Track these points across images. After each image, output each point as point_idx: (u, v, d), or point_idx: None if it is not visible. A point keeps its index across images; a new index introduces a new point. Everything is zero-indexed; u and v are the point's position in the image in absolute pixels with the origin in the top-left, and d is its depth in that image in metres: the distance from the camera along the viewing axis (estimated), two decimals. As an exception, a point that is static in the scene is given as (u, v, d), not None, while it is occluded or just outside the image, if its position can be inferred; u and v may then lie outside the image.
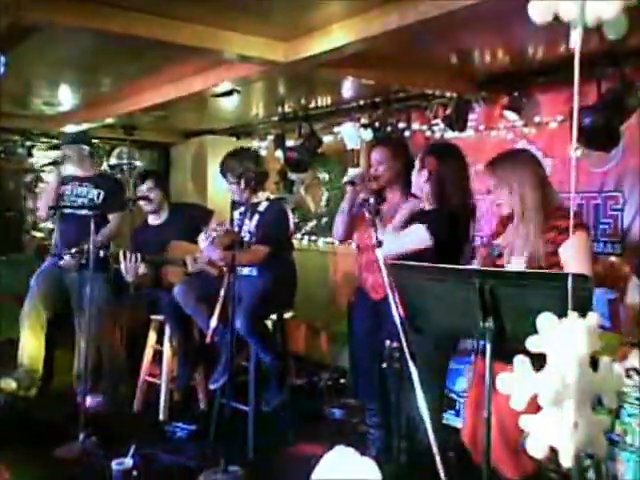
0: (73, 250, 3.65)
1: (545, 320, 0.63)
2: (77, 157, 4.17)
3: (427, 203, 2.75)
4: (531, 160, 2.42)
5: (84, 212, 3.84)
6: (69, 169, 4.24)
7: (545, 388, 0.61)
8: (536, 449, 0.63)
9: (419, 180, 2.73)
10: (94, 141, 4.72)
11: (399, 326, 1.94)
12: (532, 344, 0.63)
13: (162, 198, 4.08)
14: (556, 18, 0.63)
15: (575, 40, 0.62)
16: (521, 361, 0.63)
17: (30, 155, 5.81)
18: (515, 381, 0.63)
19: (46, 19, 2.75)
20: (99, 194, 4.15)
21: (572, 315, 0.62)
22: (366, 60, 3.39)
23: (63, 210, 4.05)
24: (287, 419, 3.60)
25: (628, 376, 2.39)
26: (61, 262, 3.96)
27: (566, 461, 0.61)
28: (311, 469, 1.84)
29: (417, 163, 2.76)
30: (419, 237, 2.61)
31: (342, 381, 4.52)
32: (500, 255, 2.39)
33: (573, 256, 2.20)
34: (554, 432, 0.62)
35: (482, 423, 1.65)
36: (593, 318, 0.62)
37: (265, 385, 3.50)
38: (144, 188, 4.00)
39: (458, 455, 2.79)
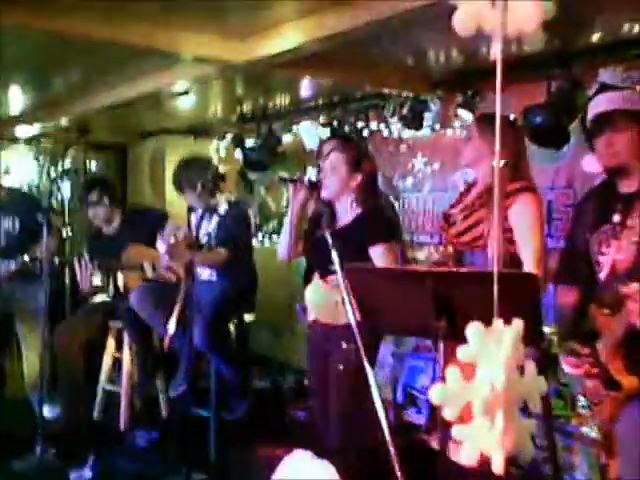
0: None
1: (473, 331, 0.63)
2: None
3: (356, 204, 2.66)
4: (513, 127, 2.50)
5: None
6: None
7: (476, 397, 0.62)
8: (469, 457, 0.64)
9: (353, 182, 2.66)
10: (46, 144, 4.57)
11: (354, 327, 1.95)
12: (463, 354, 0.64)
13: (110, 207, 3.97)
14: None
15: (496, 52, 0.63)
16: (451, 372, 0.64)
17: (-20, 158, 5.64)
18: (448, 391, 0.63)
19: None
20: (14, 223, 3.86)
21: (497, 323, 0.63)
22: (323, 60, 3.39)
23: None
24: (250, 424, 3.58)
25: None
26: None
27: (497, 468, 0.62)
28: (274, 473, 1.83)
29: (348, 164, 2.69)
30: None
31: (305, 383, 4.52)
32: (455, 222, 2.43)
33: (522, 226, 2.25)
34: (485, 439, 0.63)
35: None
36: (518, 325, 0.63)
37: (227, 394, 3.48)
38: (92, 199, 3.89)
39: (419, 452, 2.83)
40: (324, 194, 2.58)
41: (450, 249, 2.52)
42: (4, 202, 3.85)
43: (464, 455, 0.62)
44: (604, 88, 2.58)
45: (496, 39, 0.62)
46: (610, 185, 2.17)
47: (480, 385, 0.59)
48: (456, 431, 0.63)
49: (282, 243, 2.76)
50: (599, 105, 2.17)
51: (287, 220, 2.69)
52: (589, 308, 2.09)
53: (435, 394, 0.61)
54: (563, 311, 2.26)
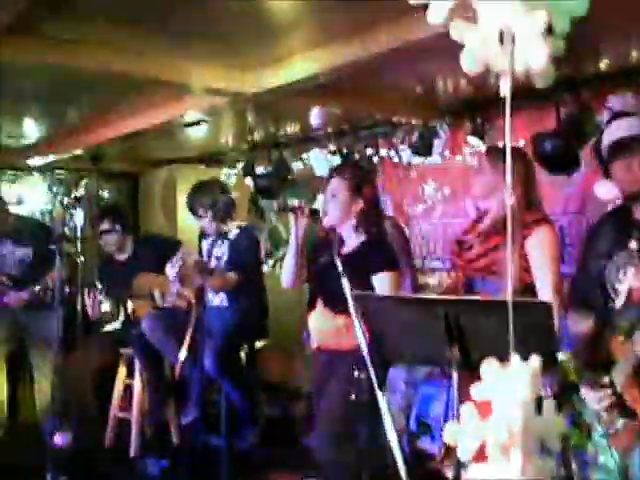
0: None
1: (487, 367, 0.63)
2: None
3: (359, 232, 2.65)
4: (524, 157, 2.50)
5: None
6: None
7: (491, 437, 0.61)
8: (485, 498, 0.63)
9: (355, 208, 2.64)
10: (60, 172, 4.62)
11: (366, 356, 1.93)
12: (476, 393, 0.63)
13: (122, 235, 4.00)
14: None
15: (504, 90, 0.64)
16: (467, 409, 0.63)
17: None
18: (462, 430, 0.63)
19: (7, 56, 2.73)
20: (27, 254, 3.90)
21: (514, 359, 0.63)
22: (332, 89, 3.43)
23: None
24: (261, 452, 3.54)
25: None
26: (5, 298, 3.81)
27: (515, 510, 0.61)
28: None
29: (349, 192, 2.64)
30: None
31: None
32: (470, 248, 2.42)
33: (540, 257, 2.25)
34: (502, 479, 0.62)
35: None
36: (535, 361, 0.63)
37: (236, 423, 3.45)
38: (104, 227, 3.92)
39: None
40: (326, 221, 2.57)
41: (460, 275, 2.52)
42: (17, 231, 3.89)
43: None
44: (618, 115, 2.58)
45: (504, 77, 0.62)
46: (625, 211, 2.16)
47: (496, 426, 0.58)
48: (472, 471, 0.62)
49: (286, 270, 2.72)
50: (617, 131, 2.17)
51: (291, 248, 2.65)
52: (605, 336, 2.06)
53: (449, 433, 0.60)
54: (578, 339, 2.24)
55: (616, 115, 2.65)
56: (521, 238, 2.27)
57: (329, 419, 2.53)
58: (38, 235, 3.88)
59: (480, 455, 0.63)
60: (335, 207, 2.58)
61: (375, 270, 2.51)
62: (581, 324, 2.20)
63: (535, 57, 0.62)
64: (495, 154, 2.45)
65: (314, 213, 2.52)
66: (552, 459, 0.62)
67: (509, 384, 0.60)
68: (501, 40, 0.66)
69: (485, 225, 2.46)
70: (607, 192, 2.23)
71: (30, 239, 3.84)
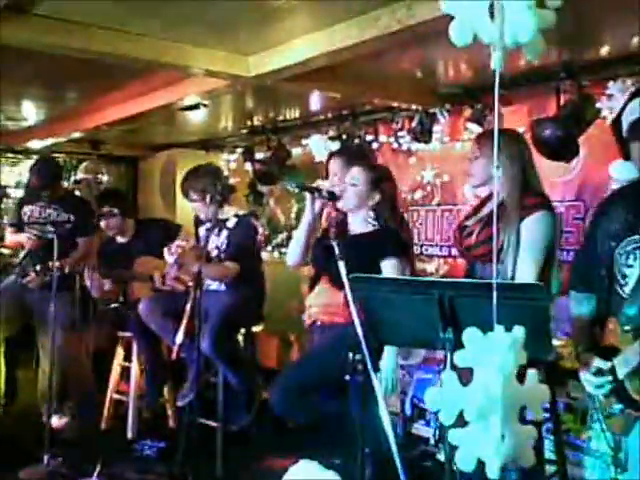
0: (38, 267, 3.59)
1: (470, 335, 0.64)
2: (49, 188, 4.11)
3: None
4: (519, 140, 2.45)
5: (51, 234, 3.76)
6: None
7: (470, 402, 0.62)
8: (464, 462, 0.64)
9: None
10: (59, 156, 4.64)
11: (361, 338, 1.95)
12: (460, 359, 0.64)
13: (123, 219, 4.00)
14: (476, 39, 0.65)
15: (496, 62, 0.64)
16: (449, 376, 0.64)
17: (-6, 171, 5.72)
18: (443, 396, 0.64)
19: (7, 37, 2.72)
20: (69, 217, 4.06)
21: (498, 329, 0.63)
22: (332, 73, 3.42)
23: (30, 229, 3.97)
24: (256, 434, 3.57)
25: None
26: (25, 280, 3.88)
27: (492, 473, 0.62)
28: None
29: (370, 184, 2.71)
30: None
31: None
32: (470, 234, 2.43)
33: (529, 239, 2.22)
34: (481, 445, 0.63)
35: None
36: (519, 332, 0.63)
37: (233, 405, 3.47)
38: (104, 210, 3.95)
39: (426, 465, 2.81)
40: (341, 205, 2.65)
41: (460, 261, 2.52)
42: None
43: (460, 460, 0.62)
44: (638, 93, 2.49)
45: (494, 49, 0.62)
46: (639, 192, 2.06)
47: (475, 390, 0.59)
48: (451, 436, 0.63)
49: (293, 249, 2.79)
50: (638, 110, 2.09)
51: (301, 227, 2.72)
52: (607, 321, 1.97)
53: (430, 398, 0.61)
54: (578, 322, 2.15)
55: (636, 93, 2.57)
56: (518, 222, 2.26)
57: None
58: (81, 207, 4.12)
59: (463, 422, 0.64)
60: (353, 195, 2.64)
61: (385, 256, 2.55)
62: (582, 306, 2.13)
63: (524, 29, 0.63)
64: (485, 140, 2.44)
65: (331, 195, 2.61)
66: (532, 427, 0.63)
67: (491, 352, 0.61)
68: (491, 13, 0.66)
69: (487, 209, 2.45)
70: (626, 172, 2.14)
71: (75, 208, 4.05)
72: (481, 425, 0.62)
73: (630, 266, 1.95)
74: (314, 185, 2.77)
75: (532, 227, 2.25)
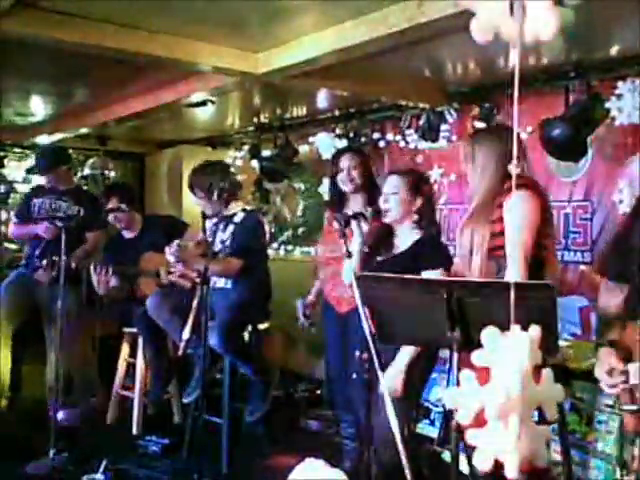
0: (44, 262, 3.60)
1: (488, 335, 0.64)
2: (56, 176, 4.13)
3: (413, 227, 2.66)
4: (500, 137, 2.35)
5: (61, 226, 3.77)
6: (44, 180, 4.19)
7: (490, 402, 0.62)
8: (482, 462, 0.64)
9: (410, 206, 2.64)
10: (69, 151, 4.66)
11: (368, 337, 1.95)
12: (478, 358, 0.64)
13: (130, 214, 4.00)
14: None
15: (514, 59, 0.64)
16: (466, 376, 0.64)
17: (2, 166, 5.73)
18: (461, 396, 0.64)
19: (18, 32, 2.73)
20: (79, 211, 4.08)
21: (514, 328, 0.63)
22: (339, 71, 3.42)
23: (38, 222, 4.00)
24: (262, 431, 3.57)
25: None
26: (36, 275, 3.89)
27: (511, 473, 0.62)
28: (285, 482, 1.83)
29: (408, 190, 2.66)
30: None
31: (319, 392, 4.50)
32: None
33: (512, 220, 2.16)
34: (499, 445, 0.63)
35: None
36: (534, 330, 0.63)
37: (249, 396, 3.48)
38: (111, 206, 3.95)
39: (432, 466, 2.81)
40: (387, 219, 2.61)
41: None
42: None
43: (477, 459, 0.62)
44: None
45: (514, 46, 0.62)
46: None
47: (494, 389, 0.59)
48: (470, 435, 0.63)
49: (348, 272, 2.60)
50: None
51: (355, 251, 2.61)
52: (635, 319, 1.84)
53: (448, 397, 0.61)
54: (606, 312, 2.02)
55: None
56: (499, 212, 2.21)
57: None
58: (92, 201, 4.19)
59: (479, 422, 0.64)
60: (396, 204, 2.60)
61: (427, 267, 2.50)
62: (614, 296, 1.99)
63: (545, 28, 0.62)
64: (466, 148, 2.43)
65: (376, 213, 2.63)
66: (547, 427, 0.63)
67: (508, 349, 0.61)
68: (511, 9, 0.66)
69: (467, 212, 2.45)
70: None
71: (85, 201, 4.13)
72: (500, 424, 0.62)
73: None
74: (356, 211, 2.69)
75: (512, 208, 2.17)
